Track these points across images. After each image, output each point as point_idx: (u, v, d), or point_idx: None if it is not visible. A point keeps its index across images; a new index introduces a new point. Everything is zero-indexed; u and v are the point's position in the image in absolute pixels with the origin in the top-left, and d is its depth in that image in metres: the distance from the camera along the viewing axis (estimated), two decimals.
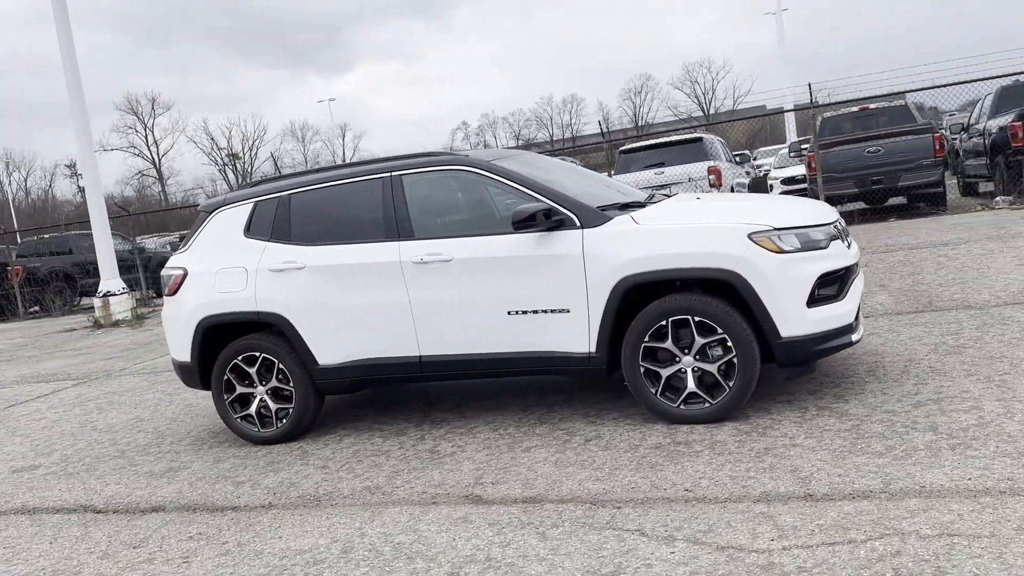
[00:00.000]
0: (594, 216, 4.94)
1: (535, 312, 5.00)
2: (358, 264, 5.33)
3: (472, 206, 5.43)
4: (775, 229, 4.66)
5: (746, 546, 3.31)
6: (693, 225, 4.80)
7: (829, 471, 3.90)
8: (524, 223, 4.88)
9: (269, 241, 5.61)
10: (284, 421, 5.61)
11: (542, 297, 4.97)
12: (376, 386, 5.76)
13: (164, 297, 6.00)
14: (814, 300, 4.66)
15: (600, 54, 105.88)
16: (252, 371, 5.62)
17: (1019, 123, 13.33)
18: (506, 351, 5.12)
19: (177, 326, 5.82)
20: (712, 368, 4.72)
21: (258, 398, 5.66)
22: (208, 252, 5.79)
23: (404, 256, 5.23)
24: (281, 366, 5.54)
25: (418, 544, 3.76)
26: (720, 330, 4.66)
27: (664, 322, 4.75)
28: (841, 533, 3.30)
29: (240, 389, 5.68)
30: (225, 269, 5.64)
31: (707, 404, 4.75)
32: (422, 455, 4.99)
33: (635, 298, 4.84)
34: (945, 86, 15.36)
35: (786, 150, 24.92)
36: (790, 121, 36.47)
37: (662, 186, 14.41)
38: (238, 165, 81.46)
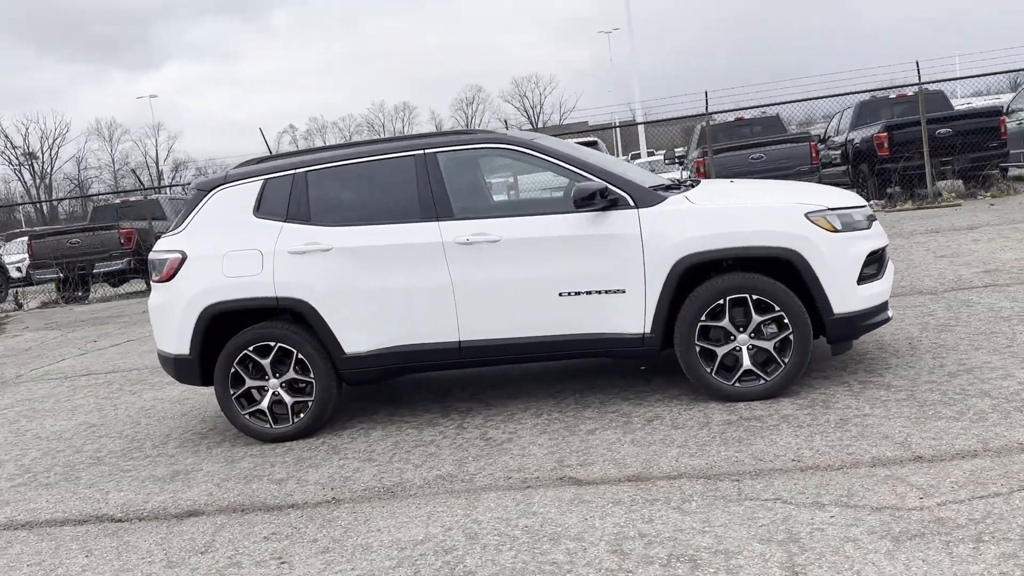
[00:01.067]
0: (648, 196, 4.92)
1: (588, 293, 4.91)
2: (393, 245, 5.04)
3: (514, 185, 5.27)
4: (829, 209, 4.82)
5: (900, 505, 3.38)
6: (751, 204, 4.89)
7: (920, 436, 4.06)
8: (585, 202, 4.79)
9: (285, 221, 5.20)
10: (302, 416, 5.20)
11: (597, 277, 4.89)
12: (405, 374, 5.45)
13: (154, 283, 5.43)
14: (862, 278, 4.85)
15: (432, 64, 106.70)
16: (265, 363, 5.17)
17: (885, 134, 14.56)
18: (555, 334, 4.99)
19: (171, 315, 5.27)
20: (768, 345, 4.81)
21: (271, 392, 5.21)
22: (209, 233, 5.28)
23: (447, 237, 4.99)
24: (300, 356, 5.13)
25: (549, 526, 3.59)
26: (777, 308, 4.76)
27: (722, 301, 4.80)
28: (981, 488, 3.44)
29: (250, 383, 5.21)
30: (234, 252, 5.17)
31: (762, 381, 4.83)
32: (475, 443, 4.77)
33: (690, 278, 4.86)
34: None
35: (641, 159, 25.92)
36: (641, 135, 37.99)
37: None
38: (36, 165, 75.06)
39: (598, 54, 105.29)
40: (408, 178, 5.15)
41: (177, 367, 5.36)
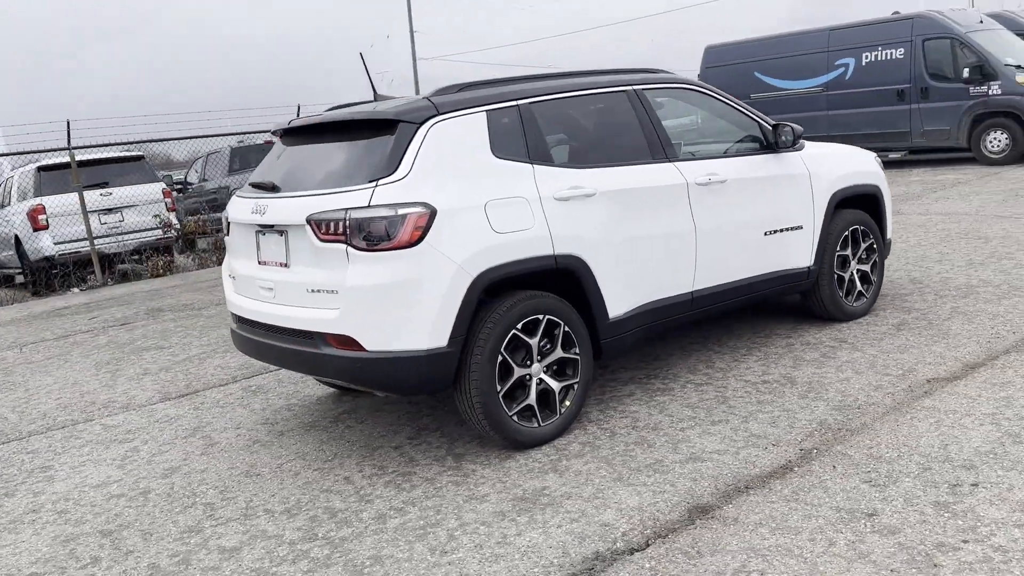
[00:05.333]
0: (799, 140, 5.36)
1: (781, 231, 5.11)
2: (649, 188, 4.44)
3: (707, 125, 5.09)
4: (878, 155, 5.97)
5: None
6: (852, 150, 5.73)
7: None
8: (797, 140, 5.04)
9: (532, 163, 4.08)
10: (567, 403, 4.15)
11: (787, 215, 5.13)
12: (643, 336, 4.60)
13: (372, 254, 3.62)
14: None
15: None
16: (533, 342, 3.98)
17: None
18: (758, 274, 5.04)
19: (422, 294, 3.65)
20: (867, 268, 5.72)
21: (535, 379, 4.03)
22: (448, 178, 3.81)
23: (688, 177, 4.62)
24: (566, 328, 4.11)
25: None
26: (871, 236, 5.71)
27: (847, 232, 5.53)
28: None
29: (518, 372, 3.95)
30: (496, 201, 3.87)
31: (865, 299, 5.71)
32: (760, 388, 4.58)
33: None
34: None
35: None
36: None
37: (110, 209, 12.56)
38: None
39: None
40: (628, 115, 4.58)
41: (430, 368, 3.69)
